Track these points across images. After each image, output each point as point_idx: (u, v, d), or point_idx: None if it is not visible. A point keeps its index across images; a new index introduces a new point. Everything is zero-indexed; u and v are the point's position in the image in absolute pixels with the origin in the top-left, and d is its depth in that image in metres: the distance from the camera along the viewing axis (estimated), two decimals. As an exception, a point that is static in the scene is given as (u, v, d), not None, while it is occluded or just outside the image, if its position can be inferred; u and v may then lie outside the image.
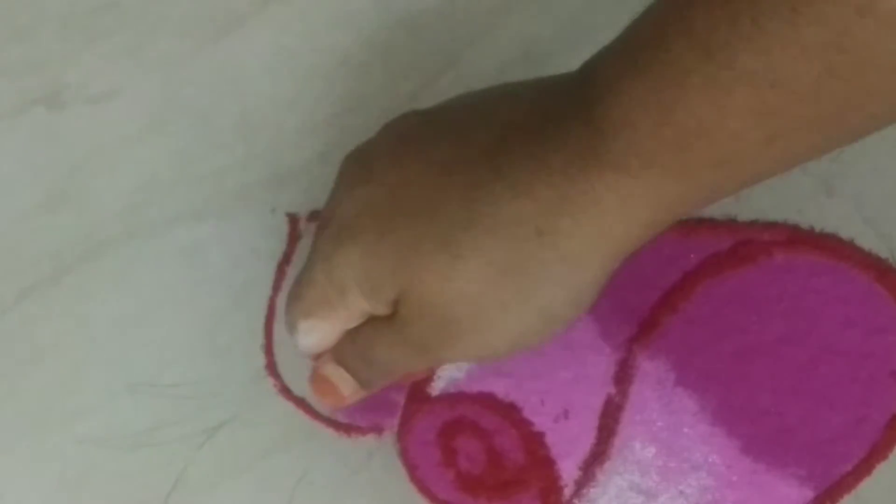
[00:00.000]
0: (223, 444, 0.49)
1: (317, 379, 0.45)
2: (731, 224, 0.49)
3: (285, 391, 0.49)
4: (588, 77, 0.39)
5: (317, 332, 0.44)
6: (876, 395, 0.47)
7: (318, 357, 0.45)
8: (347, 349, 0.44)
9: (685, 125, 0.36)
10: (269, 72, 0.53)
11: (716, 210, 0.50)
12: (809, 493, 0.47)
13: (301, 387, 0.49)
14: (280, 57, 0.53)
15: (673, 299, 0.49)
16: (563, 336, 0.48)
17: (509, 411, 0.48)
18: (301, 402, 0.49)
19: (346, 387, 0.45)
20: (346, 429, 0.49)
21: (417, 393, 0.48)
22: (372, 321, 0.43)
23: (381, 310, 0.42)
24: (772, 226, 0.49)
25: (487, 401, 0.48)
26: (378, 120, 0.45)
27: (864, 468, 0.47)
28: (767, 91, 0.34)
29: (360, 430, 0.49)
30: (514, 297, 0.40)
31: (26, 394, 0.50)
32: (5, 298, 0.51)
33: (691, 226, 0.49)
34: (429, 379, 0.48)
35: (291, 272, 0.50)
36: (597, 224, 0.38)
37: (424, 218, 0.40)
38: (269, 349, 0.50)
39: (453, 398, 0.48)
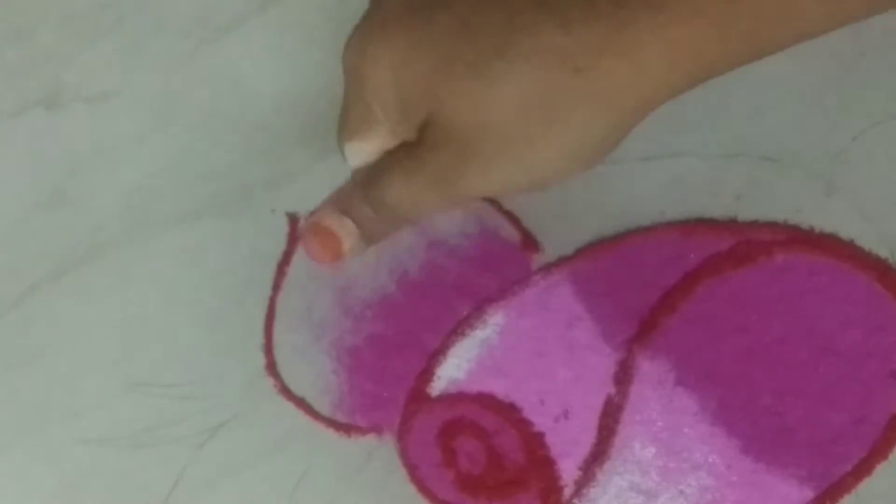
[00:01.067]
0: (223, 444, 0.49)
1: (316, 230, 0.44)
2: (731, 224, 0.49)
3: (285, 391, 0.49)
4: None
5: (360, 154, 0.43)
6: (876, 395, 0.47)
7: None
8: (355, 193, 0.43)
9: None
10: (269, 72, 0.53)
11: (716, 210, 0.50)
12: (809, 493, 0.47)
13: (301, 387, 0.49)
14: (280, 57, 0.53)
15: (673, 299, 0.49)
16: (563, 336, 0.48)
17: (509, 411, 0.48)
18: (301, 402, 0.49)
19: (348, 237, 0.43)
20: (346, 429, 0.49)
21: (417, 393, 0.48)
22: (389, 155, 0.42)
23: (408, 132, 0.41)
24: (772, 226, 0.49)
25: (487, 401, 0.48)
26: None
27: (864, 468, 0.47)
28: None
29: (360, 430, 0.49)
30: (541, 132, 0.39)
31: (26, 394, 0.50)
32: (5, 298, 0.50)
33: (691, 226, 0.49)
34: (429, 379, 0.48)
35: (291, 272, 0.50)
36: (636, 68, 0.38)
37: (461, 39, 0.39)
38: (269, 349, 0.50)
39: (453, 398, 0.48)
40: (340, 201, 0.43)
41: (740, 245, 0.49)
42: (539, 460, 0.47)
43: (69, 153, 0.52)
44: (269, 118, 0.52)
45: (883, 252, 0.49)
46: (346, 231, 0.43)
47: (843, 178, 0.50)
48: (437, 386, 0.48)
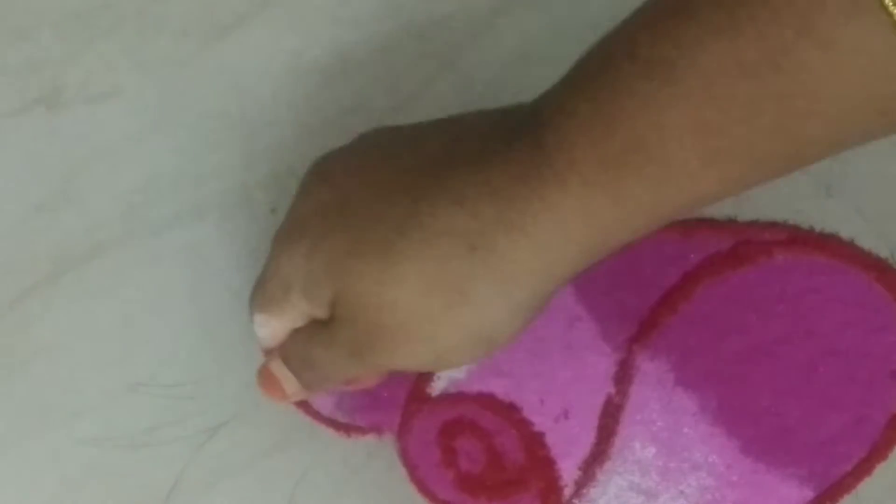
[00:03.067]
0: (223, 444, 0.49)
1: (263, 374, 0.46)
2: (731, 224, 0.49)
3: (285, 391, 0.49)
4: (538, 103, 0.40)
5: (267, 328, 0.44)
6: (876, 395, 0.47)
7: (269, 351, 0.46)
8: (291, 350, 0.45)
9: (625, 143, 0.36)
10: (269, 72, 0.53)
11: (716, 210, 0.50)
12: (809, 493, 0.47)
13: (301, 387, 0.49)
14: (280, 57, 0.53)
15: (673, 299, 0.49)
16: (563, 336, 0.48)
17: (509, 411, 0.48)
18: (301, 402, 0.49)
19: (290, 385, 0.45)
20: (346, 429, 0.49)
21: (417, 393, 0.48)
22: (313, 323, 0.43)
23: (320, 312, 0.42)
24: (772, 226, 0.49)
25: (487, 401, 0.48)
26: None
27: (864, 468, 0.47)
28: (705, 109, 0.35)
29: (360, 430, 0.49)
30: (441, 312, 0.40)
31: (26, 394, 0.50)
32: (5, 298, 0.50)
33: (691, 226, 0.49)
34: (429, 379, 0.48)
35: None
36: (532, 244, 0.38)
37: (368, 222, 0.41)
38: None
39: (453, 398, 0.48)
40: (283, 350, 0.45)
41: (740, 245, 0.49)
42: (539, 460, 0.47)
43: (69, 153, 0.52)
44: (269, 118, 0.52)
45: (883, 252, 0.49)
46: (285, 378, 0.45)
47: (843, 178, 0.50)
48: (437, 386, 0.48)
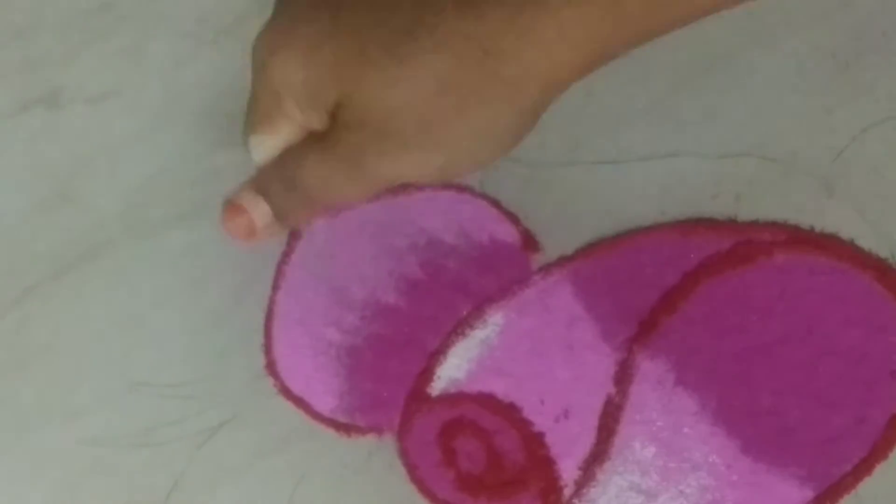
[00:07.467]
0: (223, 444, 0.49)
1: (229, 206, 0.44)
2: (731, 224, 0.49)
3: (285, 391, 0.49)
4: None
5: (265, 148, 0.43)
6: (876, 395, 0.47)
7: None
8: (270, 173, 0.43)
9: None
10: (269, 72, 0.53)
11: (716, 210, 0.50)
12: (809, 493, 0.47)
13: (301, 387, 0.49)
14: (280, 57, 0.53)
15: (673, 299, 0.49)
16: (563, 336, 0.48)
17: (509, 411, 0.48)
18: (301, 402, 0.49)
19: (260, 215, 0.44)
20: (346, 429, 0.49)
21: (417, 393, 0.48)
22: (305, 139, 0.42)
23: (318, 121, 0.41)
24: (772, 226, 0.49)
25: (487, 401, 0.48)
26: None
27: (864, 468, 0.47)
28: None
29: (360, 430, 0.49)
30: (454, 114, 0.40)
31: (26, 394, 0.50)
32: (5, 298, 0.50)
33: (691, 226, 0.49)
34: (429, 379, 0.48)
35: (291, 272, 0.50)
36: (539, 49, 0.39)
37: (370, 24, 0.40)
38: (268, 349, 0.50)
39: (453, 398, 0.48)
40: (258, 180, 0.44)
41: (740, 245, 0.49)
42: (539, 460, 0.47)
43: (69, 153, 0.52)
44: (269, 118, 0.52)
45: (883, 252, 0.49)
46: (258, 210, 0.44)
47: (843, 178, 0.50)
48: (437, 386, 0.48)
